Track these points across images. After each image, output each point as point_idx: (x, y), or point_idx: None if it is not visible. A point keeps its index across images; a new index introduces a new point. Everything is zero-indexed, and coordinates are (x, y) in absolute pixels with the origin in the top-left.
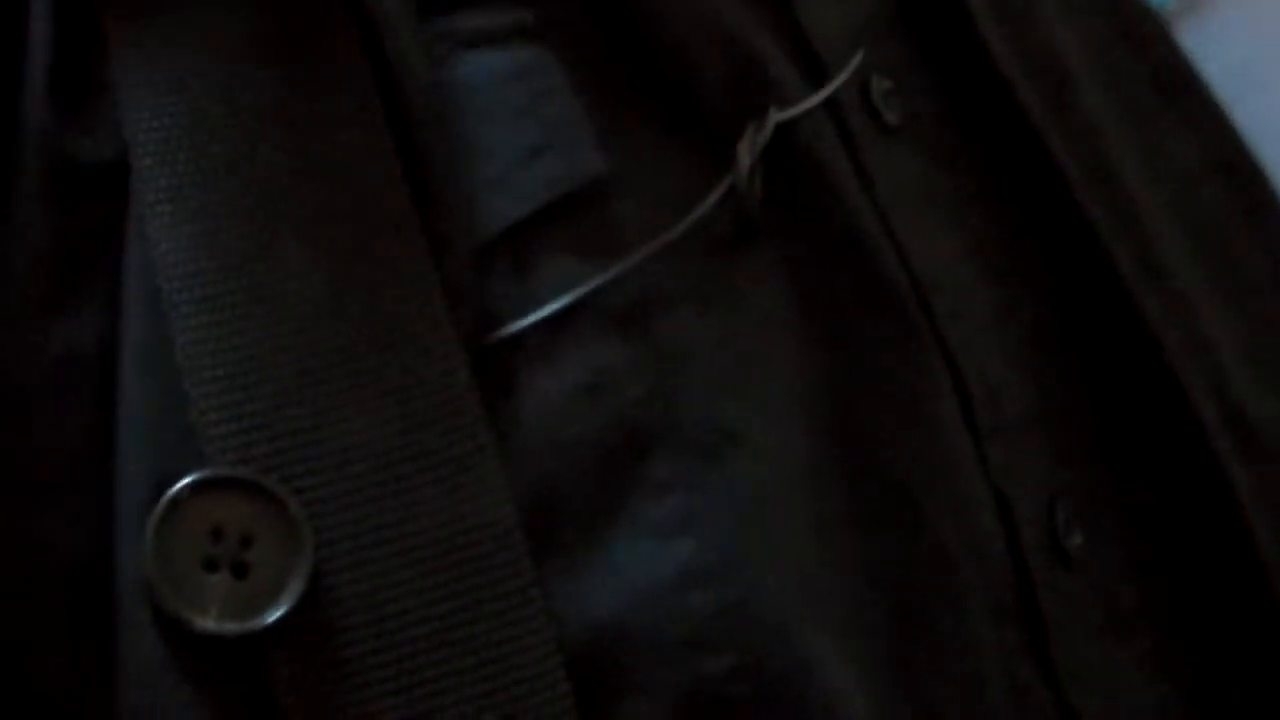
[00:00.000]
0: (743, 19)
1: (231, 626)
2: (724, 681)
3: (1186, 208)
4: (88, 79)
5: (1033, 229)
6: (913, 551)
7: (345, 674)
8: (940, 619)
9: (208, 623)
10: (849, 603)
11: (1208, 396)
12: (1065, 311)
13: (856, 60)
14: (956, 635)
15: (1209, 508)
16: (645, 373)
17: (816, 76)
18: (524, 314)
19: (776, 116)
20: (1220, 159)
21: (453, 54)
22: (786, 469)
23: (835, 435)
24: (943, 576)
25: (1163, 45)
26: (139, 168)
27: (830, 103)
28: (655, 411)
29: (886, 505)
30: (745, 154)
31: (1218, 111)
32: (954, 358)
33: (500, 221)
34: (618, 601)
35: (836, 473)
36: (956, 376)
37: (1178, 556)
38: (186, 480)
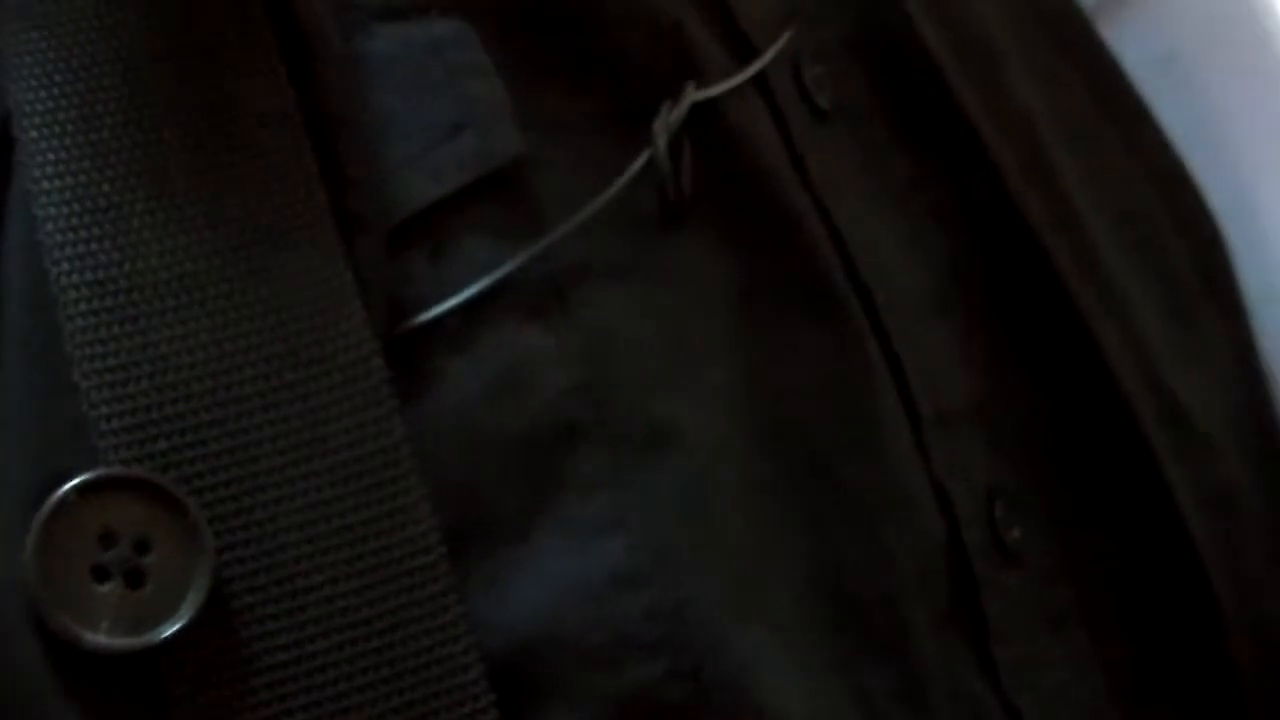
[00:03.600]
0: None
1: (124, 641)
2: (658, 685)
3: (1116, 202)
4: None
5: (968, 220)
6: (853, 549)
7: (250, 690)
8: (882, 618)
9: (98, 637)
10: (788, 603)
11: (1143, 390)
12: (1002, 304)
13: (782, 41)
14: (898, 634)
15: (1145, 502)
16: (569, 362)
17: (747, 59)
18: (441, 300)
19: (693, 95)
20: (1144, 157)
21: (365, 25)
22: (721, 464)
23: (771, 429)
24: (884, 574)
25: (1086, 39)
26: (23, 140)
27: (763, 87)
28: (581, 403)
29: (826, 502)
30: (660, 131)
31: (1141, 108)
32: (893, 348)
33: (416, 202)
34: (544, 606)
35: (773, 468)
36: (895, 368)
37: (1113, 550)
38: (75, 481)
